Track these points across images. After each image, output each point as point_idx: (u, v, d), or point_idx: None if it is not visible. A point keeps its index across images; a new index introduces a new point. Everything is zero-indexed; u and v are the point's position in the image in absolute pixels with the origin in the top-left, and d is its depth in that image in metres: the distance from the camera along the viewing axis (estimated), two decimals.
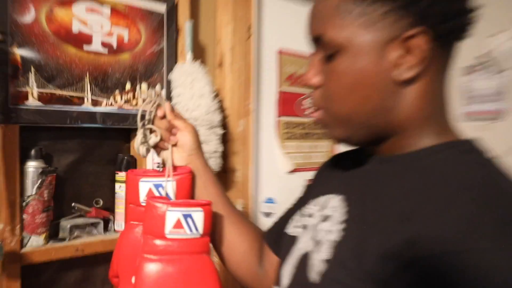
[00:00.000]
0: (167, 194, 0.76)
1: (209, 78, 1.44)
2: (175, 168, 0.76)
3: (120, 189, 1.37)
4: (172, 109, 0.81)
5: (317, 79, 0.60)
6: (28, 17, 1.15)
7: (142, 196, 0.76)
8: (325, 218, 0.62)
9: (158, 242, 0.64)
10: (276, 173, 1.86)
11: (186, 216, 0.64)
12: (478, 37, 2.06)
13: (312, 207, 0.69)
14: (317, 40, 0.59)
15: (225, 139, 1.65)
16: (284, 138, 1.96)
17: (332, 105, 0.59)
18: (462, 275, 0.44)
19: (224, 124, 1.64)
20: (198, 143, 0.83)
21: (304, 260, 0.62)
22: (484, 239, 0.44)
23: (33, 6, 1.16)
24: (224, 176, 1.68)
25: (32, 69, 1.16)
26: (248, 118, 1.71)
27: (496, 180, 0.52)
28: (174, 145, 0.80)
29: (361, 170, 0.65)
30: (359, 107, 0.57)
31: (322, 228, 0.61)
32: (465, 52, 2.28)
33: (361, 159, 0.67)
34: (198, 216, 0.66)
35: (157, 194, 0.76)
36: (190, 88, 1.38)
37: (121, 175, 1.37)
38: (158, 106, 0.78)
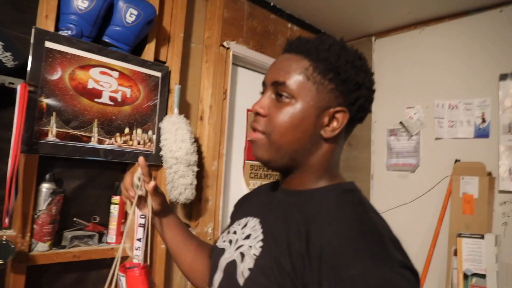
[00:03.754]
0: None
1: (190, 128, 1.52)
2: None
3: (114, 210, 1.41)
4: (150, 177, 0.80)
5: (264, 110, 0.65)
6: (55, 76, 1.26)
7: None
8: (247, 236, 0.67)
9: None
10: None
11: None
12: (400, 107, 2.24)
13: (235, 226, 0.73)
14: (275, 83, 0.65)
15: (202, 175, 1.73)
16: (250, 177, 2.06)
17: (274, 133, 0.64)
18: (340, 271, 0.50)
19: (201, 164, 1.72)
20: (166, 203, 0.83)
21: (231, 267, 0.64)
22: (357, 257, 0.51)
23: (60, 68, 1.27)
24: (199, 205, 1.75)
25: (54, 113, 1.25)
26: (220, 160, 1.80)
27: (368, 214, 0.59)
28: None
29: (273, 200, 0.70)
30: (292, 142, 0.63)
31: (245, 243, 0.65)
32: (390, 117, 2.45)
33: (273, 191, 0.73)
34: None
35: None
36: (175, 134, 1.46)
37: (115, 199, 1.42)
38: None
